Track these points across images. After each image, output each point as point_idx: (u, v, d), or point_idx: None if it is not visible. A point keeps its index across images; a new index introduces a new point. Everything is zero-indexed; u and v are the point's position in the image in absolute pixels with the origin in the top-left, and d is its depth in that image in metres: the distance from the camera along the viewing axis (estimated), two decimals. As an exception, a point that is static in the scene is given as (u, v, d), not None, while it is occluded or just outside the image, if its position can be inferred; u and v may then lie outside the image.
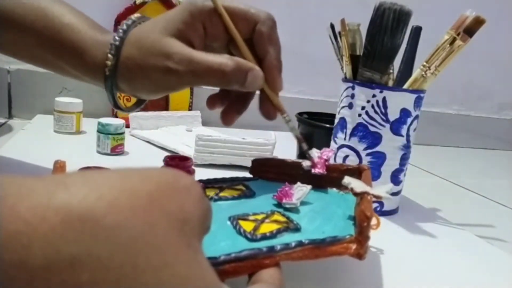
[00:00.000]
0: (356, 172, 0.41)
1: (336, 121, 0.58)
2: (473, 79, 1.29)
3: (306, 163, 0.43)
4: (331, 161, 0.46)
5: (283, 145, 0.77)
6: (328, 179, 0.43)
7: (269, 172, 0.46)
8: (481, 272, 0.44)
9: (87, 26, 0.41)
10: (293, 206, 0.37)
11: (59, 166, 0.34)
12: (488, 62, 1.27)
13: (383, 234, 0.50)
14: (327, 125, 0.66)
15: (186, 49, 0.37)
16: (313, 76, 1.12)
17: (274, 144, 0.68)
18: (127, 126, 0.72)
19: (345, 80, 0.57)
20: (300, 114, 0.74)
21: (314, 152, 0.43)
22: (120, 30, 0.39)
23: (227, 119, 0.42)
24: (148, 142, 0.76)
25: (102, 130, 0.65)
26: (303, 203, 0.38)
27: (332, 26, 0.59)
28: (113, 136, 0.65)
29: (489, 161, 1.19)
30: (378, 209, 0.55)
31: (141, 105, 0.47)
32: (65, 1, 0.44)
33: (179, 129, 0.84)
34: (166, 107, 0.95)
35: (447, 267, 0.44)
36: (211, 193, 0.39)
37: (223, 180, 0.44)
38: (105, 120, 0.65)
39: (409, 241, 0.50)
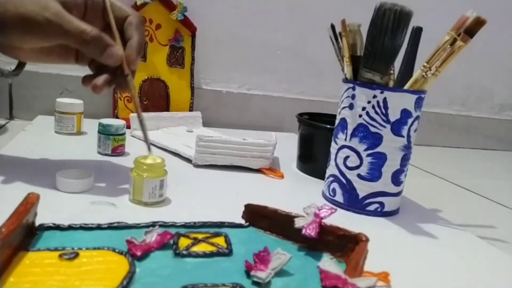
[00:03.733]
0: (353, 241, 0.37)
1: (337, 121, 0.58)
2: (473, 79, 1.29)
3: (298, 222, 0.39)
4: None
5: (284, 145, 0.77)
6: (323, 241, 0.38)
7: (262, 221, 0.42)
8: (482, 273, 0.44)
9: None
10: (260, 281, 0.32)
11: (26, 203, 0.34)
12: (489, 63, 1.27)
13: (384, 235, 0.50)
14: (328, 126, 0.66)
15: (63, 10, 0.43)
16: (313, 77, 1.12)
17: (274, 145, 0.68)
18: (128, 127, 0.72)
19: (346, 80, 0.57)
20: (300, 114, 0.74)
21: (312, 208, 0.39)
22: None
23: (87, 82, 0.49)
24: (148, 143, 0.76)
25: (103, 131, 0.65)
26: (279, 273, 0.34)
27: (332, 27, 0.59)
28: (114, 137, 0.65)
29: (490, 162, 1.19)
30: (379, 210, 0.55)
31: (20, 69, 0.56)
32: None
33: (180, 130, 0.84)
34: (166, 108, 0.95)
35: (448, 268, 0.44)
36: (183, 244, 0.36)
37: (208, 225, 0.41)
38: (106, 121, 0.65)
39: (410, 242, 0.50)
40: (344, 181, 0.56)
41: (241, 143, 0.65)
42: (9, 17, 0.43)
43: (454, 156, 1.20)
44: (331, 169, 0.58)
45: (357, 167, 0.54)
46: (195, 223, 0.41)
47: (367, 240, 0.36)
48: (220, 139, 0.65)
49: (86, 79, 0.49)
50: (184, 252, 0.35)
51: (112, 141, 0.65)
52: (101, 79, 0.48)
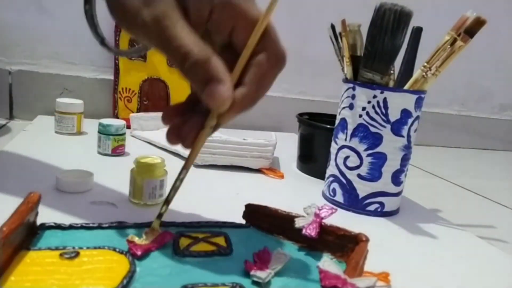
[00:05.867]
0: (353, 241, 0.37)
1: (337, 121, 0.58)
2: (473, 79, 1.29)
3: (298, 222, 0.39)
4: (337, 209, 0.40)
5: (284, 145, 0.77)
6: (323, 242, 0.38)
7: (262, 221, 0.42)
8: (482, 273, 0.44)
9: None
10: (260, 281, 0.32)
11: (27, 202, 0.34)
12: (489, 63, 1.28)
13: (384, 235, 0.50)
14: (328, 126, 0.66)
15: (174, 14, 0.30)
16: (314, 77, 1.12)
17: (274, 145, 0.68)
18: (128, 127, 0.72)
19: (346, 81, 0.57)
20: (300, 114, 0.74)
21: (312, 209, 0.39)
22: None
23: (172, 137, 0.35)
24: (148, 143, 0.76)
25: (103, 131, 0.65)
26: (279, 273, 0.34)
27: (332, 27, 0.59)
28: (114, 137, 0.65)
29: (490, 162, 1.19)
30: (379, 210, 0.55)
31: (140, 51, 0.44)
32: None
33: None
34: (167, 108, 0.95)
35: (448, 268, 0.44)
36: (183, 244, 0.36)
37: (209, 225, 0.41)
38: (106, 121, 0.65)
39: (410, 242, 0.50)
40: (344, 181, 0.56)
41: (241, 143, 0.65)
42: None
43: (454, 156, 1.20)
44: (331, 169, 0.58)
45: (357, 167, 0.54)
46: (195, 223, 0.41)
47: (367, 240, 0.36)
48: (220, 139, 0.65)
49: (172, 132, 0.35)
50: (184, 251, 0.35)
51: (112, 141, 0.65)
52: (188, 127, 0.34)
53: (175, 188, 0.36)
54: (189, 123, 0.34)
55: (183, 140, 0.34)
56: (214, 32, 0.33)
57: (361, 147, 0.54)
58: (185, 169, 0.36)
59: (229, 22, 0.32)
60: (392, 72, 0.57)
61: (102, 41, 0.40)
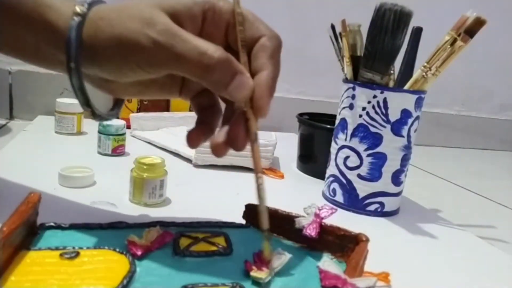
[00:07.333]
0: (353, 241, 0.37)
1: (337, 121, 0.58)
2: (474, 79, 1.29)
3: (299, 222, 0.39)
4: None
5: (284, 145, 0.77)
6: (323, 242, 0.38)
7: None
8: (482, 273, 0.44)
9: None
10: (260, 281, 0.32)
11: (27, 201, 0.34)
12: (489, 63, 1.27)
13: (384, 235, 0.50)
14: (328, 126, 0.66)
15: (174, 25, 0.31)
16: (314, 77, 1.12)
17: (274, 145, 0.68)
18: (128, 127, 0.72)
19: (346, 81, 0.57)
20: (300, 114, 0.74)
21: (312, 209, 0.39)
22: None
23: (193, 142, 0.37)
24: (149, 143, 0.76)
25: (103, 131, 0.65)
26: (279, 273, 0.34)
27: (332, 27, 0.59)
28: (114, 137, 0.65)
29: (490, 162, 1.19)
30: (379, 210, 0.55)
31: (118, 108, 0.40)
32: None
33: (180, 130, 0.84)
34: (166, 108, 0.95)
35: (448, 268, 0.44)
36: (183, 244, 0.36)
37: (209, 225, 0.40)
38: (106, 121, 0.65)
39: (410, 242, 0.50)
40: (344, 181, 0.56)
41: (241, 143, 0.65)
42: (103, 40, 0.31)
43: (454, 156, 1.20)
44: (331, 169, 0.58)
45: (357, 167, 0.54)
46: (195, 223, 0.40)
47: (367, 240, 0.36)
48: (220, 139, 0.65)
49: (192, 137, 0.37)
50: (184, 251, 0.35)
51: (112, 141, 0.65)
52: (222, 134, 0.34)
53: (262, 192, 0.34)
54: (225, 132, 0.34)
55: (235, 146, 0.34)
56: (210, 39, 0.33)
57: (361, 147, 0.54)
58: (259, 173, 0.34)
59: (221, 26, 0.34)
60: (392, 72, 0.57)
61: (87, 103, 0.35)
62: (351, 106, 0.55)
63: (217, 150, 0.34)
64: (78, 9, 0.32)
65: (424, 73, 0.52)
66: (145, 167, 0.47)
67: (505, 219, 0.70)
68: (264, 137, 0.69)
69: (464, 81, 1.27)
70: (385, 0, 0.51)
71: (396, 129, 0.53)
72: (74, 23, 0.31)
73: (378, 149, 0.53)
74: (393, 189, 0.55)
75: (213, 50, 0.30)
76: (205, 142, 0.37)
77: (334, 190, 0.57)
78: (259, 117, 0.33)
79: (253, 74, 0.33)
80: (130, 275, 0.30)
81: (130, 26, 0.30)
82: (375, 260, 0.36)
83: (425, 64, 0.52)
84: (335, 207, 0.44)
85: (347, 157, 0.55)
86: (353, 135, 0.54)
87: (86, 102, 0.34)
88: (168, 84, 0.38)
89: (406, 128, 0.53)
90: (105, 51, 0.32)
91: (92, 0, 0.33)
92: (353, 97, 0.54)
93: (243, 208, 0.43)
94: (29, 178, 0.51)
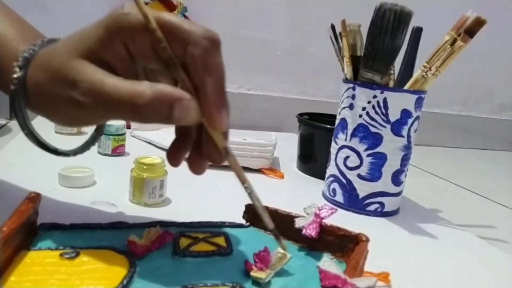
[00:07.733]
0: (353, 241, 0.37)
1: (337, 121, 0.58)
2: (474, 79, 1.29)
3: (298, 222, 0.39)
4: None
5: (284, 145, 0.77)
6: (323, 242, 0.38)
7: (262, 221, 0.40)
8: (482, 273, 0.44)
9: (18, 34, 0.36)
10: (260, 281, 0.32)
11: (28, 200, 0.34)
12: (489, 63, 1.28)
13: (384, 235, 0.50)
14: (328, 126, 0.66)
15: (97, 75, 0.29)
16: (314, 77, 1.12)
17: (274, 145, 0.68)
18: (128, 127, 0.72)
19: (346, 81, 0.57)
20: (301, 115, 0.74)
21: (312, 209, 0.39)
22: (39, 41, 0.35)
23: (174, 161, 0.36)
24: (149, 143, 0.76)
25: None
26: (279, 273, 0.33)
27: (332, 27, 0.59)
28: (114, 137, 0.65)
29: (490, 162, 1.19)
30: (379, 210, 0.55)
31: (91, 144, 0.42)
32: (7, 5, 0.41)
33: (180, 130, 0.84)
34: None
35: (448, 268, 0.44)
36: (183, 244, 0.36)
37: (209, 225, 0.40)
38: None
39: (410, 242, 0.50)
40: (344, 181, 0.56)
41: (241, 143, 0.65)
42: (42, 101, 0.33)
43: (454, 156, 1.20)
44: (331, 169, 0.58)
45: (357, 167, 0.54)
46: (195, 223, 0.41)
47: (367, 240, 0.36)
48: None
49: (171, 156, 0.37)
50: (184, 251, 0.35)
51: (112, 141, 0.65)
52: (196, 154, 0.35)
53: (255, 198, 0.35)
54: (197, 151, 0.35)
55: (212, 161, 0.35)
56: (144, 59, 0.31)
57: (361, 147, 0.54)
58: (245, 182, 0.35)
59: (144, 43, 0.30)
60: (392, 72, 0.57)
61: (56, 152, 0.40)
62: (351, 106, 0.55)
63: (195, 169, 0.36)
64: (15, 75, 0.33)
65: (424, 73, 0.52)
66: (145, 167, 0.47)
67: (505, 219, 0.70)
68: (264, 137, 0.69)
69: (464, 81, 1.27)
70: (385, 0, 0.51)
71: (396, 129, 0.53)
72: (16, 88, 0.33)
73: (378, 149, 0.53)
74: (393, 189, 0.55)
75: (141, 89, 0.28)
76: (185, 155, 0.37)
77: (334, 190, 0.57)
78: (219, 131, 0.32)
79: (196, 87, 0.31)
80: (130, 275, 0.30)
81: (59, 93, 0.31)
82: (375, 260, 0.36)
83: (425, 64, 0.52)
84: (335, 207, 0.44)
85: (347, 157, 0.55)
86: (353, 135, 0.54)
87: (39, 143, 0.39)
88: None
89: (406, 128, 0.53)
90: (53, 116, 0.35)
91: (28, 54, 0.33)
92: (353, 97, 0.54)
93: (243, 208, 0.43)
94: (29, 178, 0.51)
